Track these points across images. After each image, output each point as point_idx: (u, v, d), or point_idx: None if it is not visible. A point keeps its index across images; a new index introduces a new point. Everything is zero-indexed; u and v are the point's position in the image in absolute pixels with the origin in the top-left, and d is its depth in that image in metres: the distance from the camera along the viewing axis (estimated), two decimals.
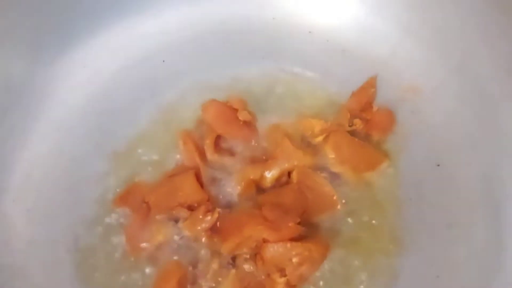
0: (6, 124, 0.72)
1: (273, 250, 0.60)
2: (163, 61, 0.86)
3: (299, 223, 0.62)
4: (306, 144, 0.75)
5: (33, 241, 0.68)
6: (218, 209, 0.65)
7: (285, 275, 0.60)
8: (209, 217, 0.64)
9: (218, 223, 0.66)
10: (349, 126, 0.75)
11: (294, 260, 0.59)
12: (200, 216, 0.64)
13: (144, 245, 0.68)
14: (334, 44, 0.84)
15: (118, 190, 0.73)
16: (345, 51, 0.84)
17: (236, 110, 0.76)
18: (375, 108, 0.77)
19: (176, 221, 0.68)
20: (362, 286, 0.64)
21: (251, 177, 0.70)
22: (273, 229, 0.60)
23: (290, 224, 0.60)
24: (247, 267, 0.64)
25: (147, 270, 0.66)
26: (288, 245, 0.59)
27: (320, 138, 0.73)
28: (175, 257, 0.67)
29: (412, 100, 0.77)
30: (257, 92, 0.83)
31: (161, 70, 0.85)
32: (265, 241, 0.61)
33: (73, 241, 0.69)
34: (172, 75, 0.84)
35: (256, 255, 0.64)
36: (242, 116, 0.75)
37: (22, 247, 0.67)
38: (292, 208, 0.64)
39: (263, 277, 0.63)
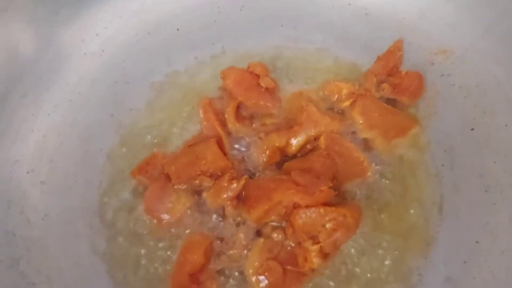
0: (17, 93, 0.69)
1: (305, 216, 0.57)
2: (178, 29, 0.82)
3: (330, 188, 0.59)
4: (331, 110, 0.71)
5: (49, 214, 0.65)
6: (245, 176, 0.62)
7: (318, 243, 0.57)
8: (234, 185, 0.60)
9: (243, 192, 0.62)
10: (377, 91, 0.71)
11: (328, 226, 0.56)
12: (225, 184, 0.61)
13: (164, 216, 0.65)
14: (357, 7, 0.80)
15: (135, 160, 0.70)
16: (368, 15, 0.80)
17: (257, 76, 0.72)
18: (403, 72, 0.73)
19: (199, 191, 0.65)
20: (397, 252, 0.60)
21: (276, 144, 0.67)
22: (305, 192, 0.56)
23: (323, 188, 0.57)
24: (275, 236, 0.61)
25: (170, 241, 0.63)
26: (322, 210, 0.56)
27: (347, 103, 0.69)
28: (199, 228, 0.63)
29: (442, 63, 0.73)
30: (277, 60, 0.79)
31: (176, 38, 0.81)
32: (295, 207, 0.58)
33: (89, 213, 0.66)
34: (187, 43, 0.81)
35: (285, 222, 0.61)
36: (265, 82, 0.71)
37: (38, 219, 0.64)
38: (323, 173, 0.61)
39: (293, 245, 0.60)
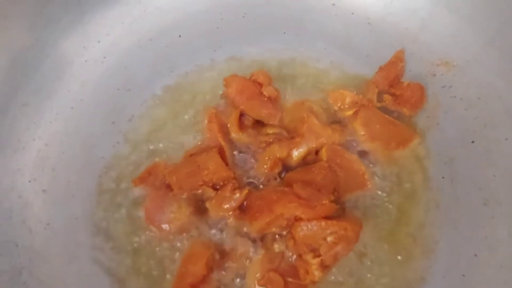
0: (19, 101, 0.69)
1: (307, 229, 0.57)
2: (180, 36, 0.82)
3: (332, 201, 0.59)
4: (333, 121, 0.72)
5: (51, 223, 0.65)
6: (247, 187, 0.62)
7: (319, 255, 0.57)
8: (237, 195, 0.61)
9: (245, 203, 0.63)
10: (379, 102, 0.72)
11: (329, 239, 0.57)
12: (228, 194, 0.61)
13: (165, 225, 0.65)
14: (360, 16, 0.80)
15: (136, 169, 0.70)
16: (371, 24, 0.80)
17: (260, 85, 0.72)
18: (405, 83, 0.73)
19: (200, 201, 0.66)
20: (396, 264, 0.61)
21: (278, 156, 0.67)
22: (307, 206, 0.57)
23: (324, 202, 0.57)
24: (277, 247, 0.62)
25: (172, 251, 0.64)
26: (323, 223, 0.57)
27: (350, 112, 0.69)
28: (201, 238, 0.64)
29: (443, 75, 0.73)
30: (279, 68, 0.79)
31: (178, 45, 0.81)
32: (297, 219, 0.58)
33: (91, 222, 0.66)
34: (189, 50, 0.80)
35: (286, 235, 0.61)
36: (267, 91, 0.71)
37: (40, 229, 0.64)
38: (324, 186, 0.61)
39: (294, 258, 0.61)
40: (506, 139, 0.65)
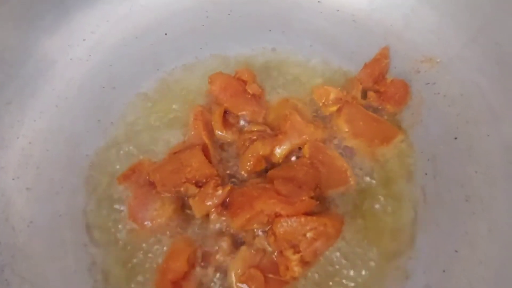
0: (2, 99, 0.69)
1: (287, 225, 0.57)
2: (165, 34, 0.82)
3: (312, 198, 0.59)
4: (317, 118, 0.72)
5: (34, 221, 0.65)
6: (230, 184, 0.62)
7: (299, 252, 0.58)
8: (220, 192, 0.61)
9: (228, 199, 0.63)
10: (363, 99, 0.72)
11: (309, 235, 0.57)
12: (210, 191, 0.61)
13: (148, 222, 0.65)
14: (345, 14, 0.80)
15: (121, 167, 0.70)
16: (356, 22, 0.80)
17: (244, 83, 0.73)
18: (388, 80, 0.73)
19: (184, 198, 0.66)
20: (377, 260, 0.61)
21: (261, 153, 0.67)
22: (286, 202, 0.57)
23: (304, 198, 0.57)
24: (258, 244, 0.62)
25: (155, 249, 0.64)
26: (303, 219, 0.57)
27: (334, 108, 0.70)
28: (183, 236, 0.64)
29: (427, 71, 0.74)
30: (264, 66, 0.80)
31: (164, 43, 0.81)
32: (277, 216, 0.59)
33: (75, 220, 0.66)
34: (175, 48, 0.81)
35: (267, 231, 0.62)
36: (251, 89, 0.71)
37: (23, 226, 0.64)
38: (305, 182, 0.62)
39: (275, 254, 0.61)
40: (488, 135, 0.65)
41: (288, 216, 0.57)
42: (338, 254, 0.62)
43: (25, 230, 0.64)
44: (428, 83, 0.73)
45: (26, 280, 0.60)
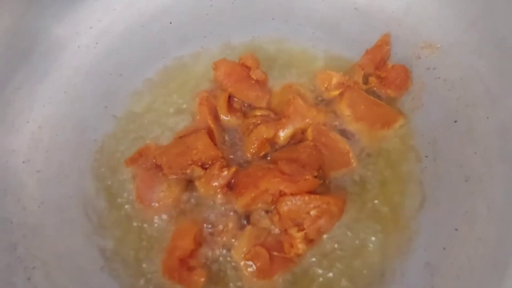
0: (13, 85, 0.71)
1: (291, 204, 0.59)
2: (170, 22, 0.83)
3: (315, 177, 0.61)
4: (319, 102, 0.74)
5: (45, 202, 0.67)
6: (235, 166, 0.64)
7: (302, 229, 0.59)
8: (225, 173, 0.63)
9: (233, 180, 0.65)
10: (364, 84, 0.73)
11: (312, 213, 0.59)
12: (216, 172, 0.63)
13: (155, 204, 0.67)
14: (347, 2, 0.82)
15: (127, 150, 0.72)
16: (357, 9, 0.81)
17: (248, 69, 0.74)
18: (389, 65, 0.75)
19: (190, 180, 0.68)
20: (380, 238, 0.63)
21: (265, 136, 0.69)
22: (290, 181, 0.59)
23: (307, 177, 0.59)
24: (263, 223, 0.63)
25: (161, 229, 0.66)
26: (306, 197, 0.58)
27: (336, 92, 0.71)
28: (190, 216, 0.66)
29: (428, 57, 0.75)
30: (268, 53, 0.81)
31: (169, 31, 0.83)
32: (281, 194, 0.60)
33: (84, 202, 0.68)
34: (180, 36, 0.82)
35: (272, 211, 0.63)
36: (255, 74, 0.73)
37: (34, 207, 0.66)
38: (308, 163, 0.63)
39: (279, 232, 0.62)
40: (487, 118, 0.67)
41: (292, 194, 0.59)
42: (340, 231, 0.64)
43: (36, 211, 0.66)
44: (429, 68, 0.74)
45: (37, 257, 0.62)
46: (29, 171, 0.68)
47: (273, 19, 0.84)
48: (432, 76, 0.74)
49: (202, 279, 0.61)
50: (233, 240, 0.64)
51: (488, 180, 0.63)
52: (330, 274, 0.61)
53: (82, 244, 0.65)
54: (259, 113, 0.73)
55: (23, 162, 0.69)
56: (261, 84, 0.75)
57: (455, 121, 0.69)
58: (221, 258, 0.63)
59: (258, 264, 0.60)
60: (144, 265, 0.63)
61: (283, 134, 0.69)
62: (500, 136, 0.65)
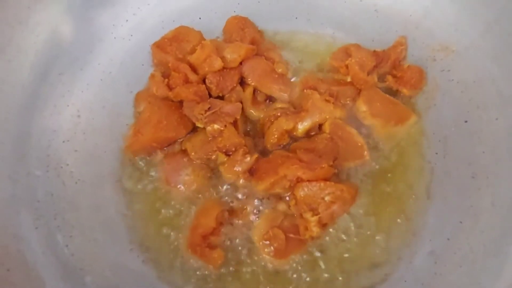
0: (56, 70, 0.77)
1: (307, 189, 0.64)
2: (200, 18, 0.89)
3: (331, 166, 0.66)
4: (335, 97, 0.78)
5: (81, 179, 0.73)
6: (256, 153, 0.69)
7: (317, 214, 0.64)
8: (248, 159, 0.68)
9: (254, 167, 0.70)
10: (381, 82, 0.78)
11: (327, 198, 0.64)
12: (239, 158, 0.68)
13: (180, 186, 0.72)
14: (367, 4, 0.86)
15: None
16: (378, 11, 0.85)
17: (272, 63, 0.79)
18: (405, 66, 0.79)
19: (214, 165, 0.73)
20: (388, 228, 0.67)
21: (284, 128, 0.74)
22: (307, 168, 0.64)
23: (323, 165, 0.64)
24: (280, 207, 0.69)
25: (186, 209, 0.71)
26: (322, 184, 0.63)
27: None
28: (213, 197, 0.71)
29: (443, 59, 0.79)
30: (290, 49, 0.86)
31: (198, 26, 0.87)
32: (299, 181, 0.65)
33: (115, 180, 0.75)
34: (208, 31, 0.86)
35: (289, 196, 0.68)
36: (279, 67, 0.78)
37: (72, 183, 0.73)
38: (325, 153, 0.68)
39: (295, 216, 0.67)
40: (497, 119, 0.70)
41: (308, 181, 0.64)
42: (351, 220, 0.69)
43: (74, 186, 0.72)
44: (443, 70, 0.78)
45: (74, 227, 0.68)
46: (68, 150, 0.75)
47: (296, 18, 0.89)
48: (446, 78, 0.78)
49: (221, 258, 0.67)
50: (253, 222, 0.69)
51: (494, 177, 0.67)
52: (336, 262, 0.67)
53: (112, 217, 0.71)
54: (279, 106, 0.78)
55: (63, 142, 0.75)
56: (284, 78, 0.80)
57: (466, 121, 0.73)
58: (240, 238, 0.68)
59: (275, 245, 0.66)
60: (171, 239, 0.69)
61: (301, 127, 0.74)
62: (508, 136, 0.68)
